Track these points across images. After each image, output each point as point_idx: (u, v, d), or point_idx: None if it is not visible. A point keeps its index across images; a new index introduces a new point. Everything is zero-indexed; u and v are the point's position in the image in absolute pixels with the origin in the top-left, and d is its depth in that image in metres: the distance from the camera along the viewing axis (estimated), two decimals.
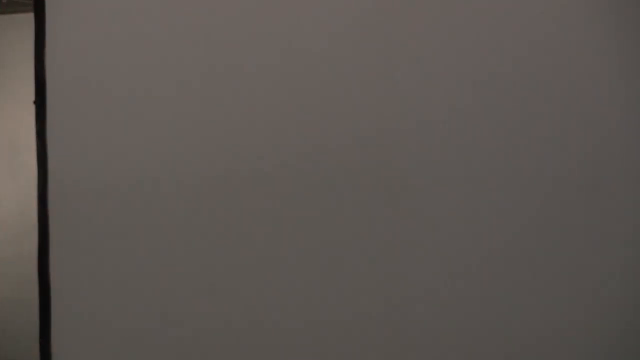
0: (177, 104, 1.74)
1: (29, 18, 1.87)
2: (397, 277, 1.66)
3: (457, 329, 1.65)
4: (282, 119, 1.70)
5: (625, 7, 1.58)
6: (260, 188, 1.70)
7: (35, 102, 1.80)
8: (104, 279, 1.77)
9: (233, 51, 1.71)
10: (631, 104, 1.59)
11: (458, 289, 1.64)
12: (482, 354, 1.64)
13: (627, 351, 1.60)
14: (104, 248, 1.77)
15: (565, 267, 1.61)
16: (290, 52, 1.69)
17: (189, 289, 1.74)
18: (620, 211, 1.59)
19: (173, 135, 1.74)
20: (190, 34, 1.73)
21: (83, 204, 1.77)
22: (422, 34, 1.65)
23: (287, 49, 1.69)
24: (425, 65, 1.65)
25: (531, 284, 1.62)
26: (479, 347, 1.64)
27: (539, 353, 1.62)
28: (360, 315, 1.68)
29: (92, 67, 1.77)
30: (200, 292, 1.74)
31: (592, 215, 1.60)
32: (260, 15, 1.70)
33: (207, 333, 1.74)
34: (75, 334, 1.79)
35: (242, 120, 1.71)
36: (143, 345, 1.76)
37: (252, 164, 1.71)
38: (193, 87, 1.73)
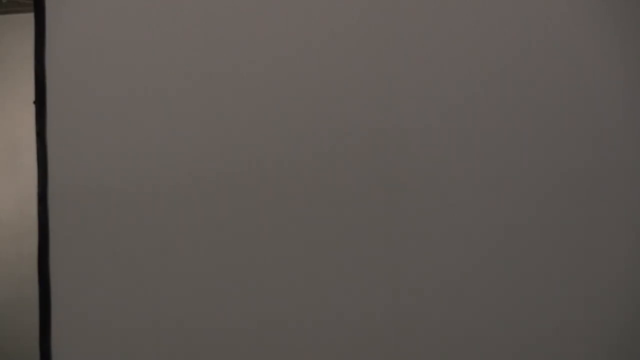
0: (177, 104, 1.74)
1: (29, 18, 1.88)
2: (398, 277, 1.66)
3: (458, 328, 1.65)
4: (281, 120, 1.70)
5: (625, 7, 1.59)
6: (261, 188, 1.70)
7: (35, 102, 1.80)
8: (104, 279, 1.77)
9: (234, 51, 1.71)
10: (631, 104, 1.59)
11: (459, 288, 1.64)
12: (483, 352, 1.64)
13: (627, 351, 1.60)
14: (104, 248, 1.77)
15: (565, 266, 1.61)
16: (290, 53, 1.69)
17: (189, 289, 1.74)
18: (620, 211, 1.59)
19: (173, 135, 1.74)
20: (191, 34, 1.73)
21: (83, 204, 1.77)
22: (423, 34, 1.65)
23: (286, 49, 1.69)
24: (426, 65, 1.65)
25: (532, 283, 1.62)
26: (480, 345, 1.64)
27: (539, 352, 1.62)
28: (362, 314, 1.68)
29: (92, 67, 1.77)
30: (200, 292, 1.74)
31: (592, 215, 1.60)
32: (260, 16, 1.70)
33: (207, 333, 1.74)
34: (75, 334, 1.79)
35: (242, 120, 1.71)
36: (143, 345, 1.76)
37: (252, 165, 1.71)
38: (193, 87, 1.73)
